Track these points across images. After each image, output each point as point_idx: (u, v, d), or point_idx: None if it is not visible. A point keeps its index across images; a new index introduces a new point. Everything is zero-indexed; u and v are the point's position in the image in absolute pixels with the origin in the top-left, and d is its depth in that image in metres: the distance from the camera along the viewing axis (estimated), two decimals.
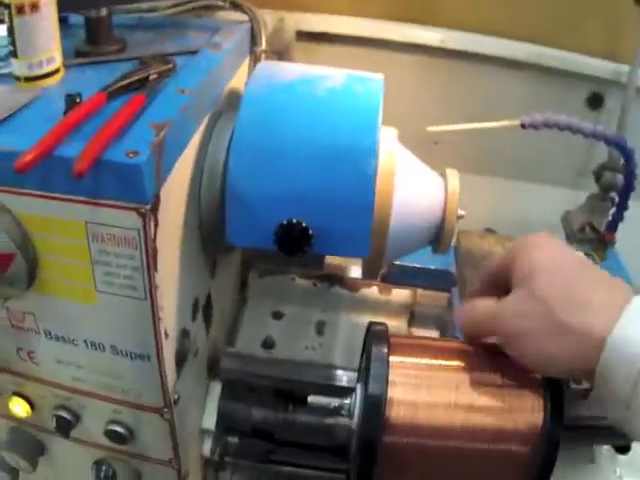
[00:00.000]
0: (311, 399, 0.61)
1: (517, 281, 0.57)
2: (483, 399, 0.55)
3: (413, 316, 0.98)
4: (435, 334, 0.95)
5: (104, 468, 0.77)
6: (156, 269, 0.58)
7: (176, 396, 0.69)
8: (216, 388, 0.84)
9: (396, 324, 0.96)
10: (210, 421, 0.83)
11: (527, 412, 0.55)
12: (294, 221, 0.63)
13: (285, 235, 0.63)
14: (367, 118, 0.66)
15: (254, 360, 0.84)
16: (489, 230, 1.10)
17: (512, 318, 0.56)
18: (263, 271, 1.01)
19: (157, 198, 0.56)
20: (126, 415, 0.71)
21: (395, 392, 0.55)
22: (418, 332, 0.96)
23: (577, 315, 0.53)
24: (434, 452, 0.55)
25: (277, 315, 1.00)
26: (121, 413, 0.71)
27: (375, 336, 0.59)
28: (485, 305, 0.59)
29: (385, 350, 0.57)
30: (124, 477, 0.77)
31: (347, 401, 0.59)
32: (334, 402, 0.60)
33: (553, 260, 0.57)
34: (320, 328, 0.98)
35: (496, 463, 0.56)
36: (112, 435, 0.72)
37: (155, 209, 0.56)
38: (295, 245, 0.63)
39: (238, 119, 0.65)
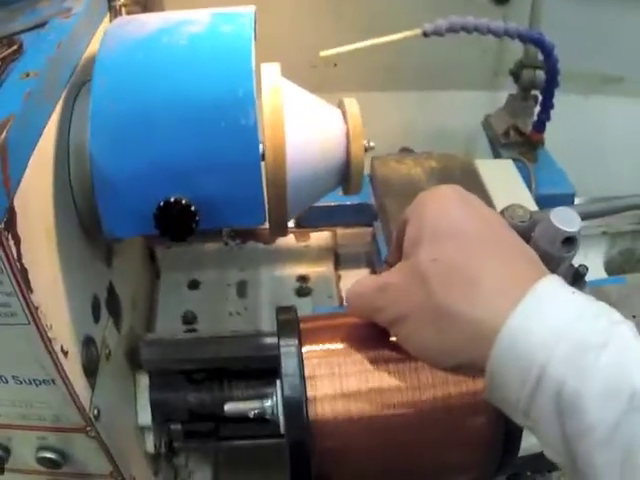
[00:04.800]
0: (228, 407, 0.55)
1: (405, 250, 0.48)
2: (424, 375, 0.49)
3: (338, 258, 0.92)
4: (365, 272, 0.90)
5: None
6: (30, 289, 0.50)
7: (96, 411, 0.63)
8: (144, 380, 0.78)
9: (322, 269, 0.91)
10: (145, 417, 0.77)
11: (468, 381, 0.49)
12: (172, 199, 0.55)
13: (165, 217, 0.55)
14: (238, 62, 0.57)
15: (175, 344, 0.77)
16: (405, 149, 1.04)
17: (390, 304, 0.46)
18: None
19: (11, 211, 0.48)
20: (52, 440, 0.66)
21: (317, 388, 0.49)
22: (347, 274, 0.90)
23: (461, 298, 0.42)
24: (379, 445, 0.49)
25: (193, 284, 0.93)
26: (47, 439, 0.65)
27: (283, 326, 0.52)
28: (370, 285, 0.49)
29: (296, 342, 0.50)
30: None
31: (268, 403, 0.53)
32: (255, 408, 0.53)
33: (445, 222, 0.46)
34: (241, 289, 0.92)
35: (455, 441, 0.50)
36: (45, 462, 0.67)
37: (11, 225, 0.47)
38: (179, 227, 0.55)
39: (92, 90, 0.57)
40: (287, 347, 0.50)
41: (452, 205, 0.47)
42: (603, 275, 1.01)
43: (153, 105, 0.56)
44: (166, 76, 0.57)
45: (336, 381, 0.49)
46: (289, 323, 0.52)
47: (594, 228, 1.00)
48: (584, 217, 0.63)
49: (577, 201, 0.98)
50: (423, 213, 0.47)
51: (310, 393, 0.49)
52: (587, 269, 0.61)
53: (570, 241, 0.55)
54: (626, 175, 1.22)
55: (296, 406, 0.48)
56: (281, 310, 0.55)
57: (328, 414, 0.48)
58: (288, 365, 0.49)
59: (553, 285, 0.42)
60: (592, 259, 1.03)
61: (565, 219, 0.54)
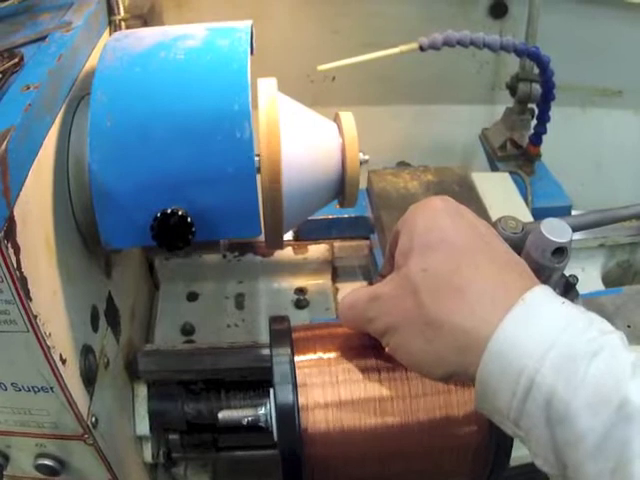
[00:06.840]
0: (222, 415, 0.55)
1: (397, 261, 0.48)
2: (415, 385, 0.49)
3: (335, 271, 0.93)
4: (362, 284, 0.90)
5: None
6: (30, 298, 0.51)
7: (94, 419, 0.63)
8: (142, 391, 0.78)
9: (320, 282, 0.91)
10: (143, 427, 0.77)
11: (459, 390, 0.49)
12: (169, 211, 0.55)
13: (162, 228, 0.55)
14: (234, 76, 0.58)
15: (174, 355, 0.78)
16: (402, 163, 1.04)
17: (381, 314, 0.47)
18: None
19: (11, 221, 0.48)
20: (51, 447, 0.66)
21: (309, 396, 0.49)
22: (344, 286, 0.91)
23: (450, 309, 0.42)
24: (369, 453, 0.50)
25: (192, 296, 0.94)
26: (45, 446, 0.65)
27: (275, 335, 0.53)
28: (362, 296, 0.49)
29: (288, 351, 0.51)
30: None
31: (262, 411, 0.53)
32: (248, 416, 0.54)
33: (435, 233, 0.46)
34: (239, 302, 0.92)
35: (445, 449, 0.50)
36: (43, 469, 0.67)
37: (11, 234, 0.48)
38: (175, 238, 0.56)
39: (90, 104, 0.57)
40: (279, 356, 0.50)
41: (442, 216, 0.47)
42: (601, 288, 1.00)
43: (150, 119, 0.57)
44: (163, 90, 0.58)
45: (328, 390, 0.49)
46: (282, 332, 0.53)
47: (591, 240, 1.00)
48: (576, 228, 0.63)
49: (573, 214, 0.98)
50: (413, 224, 0.48)
51: (302, 401, 0.49)
52: (577, 279, 0.61)
53: (561, 252, 0.54)
54: (624, 188, 1.22)
55: (288, 413, 0.48)
56: (274, 319, 0.55)
57: (320, 422, 0.49)
58: (280, 373, 0.49)
59: (542, 295, 0.42)
60: (590, 272, 1.02)
61: (556, 230, 0.54)
